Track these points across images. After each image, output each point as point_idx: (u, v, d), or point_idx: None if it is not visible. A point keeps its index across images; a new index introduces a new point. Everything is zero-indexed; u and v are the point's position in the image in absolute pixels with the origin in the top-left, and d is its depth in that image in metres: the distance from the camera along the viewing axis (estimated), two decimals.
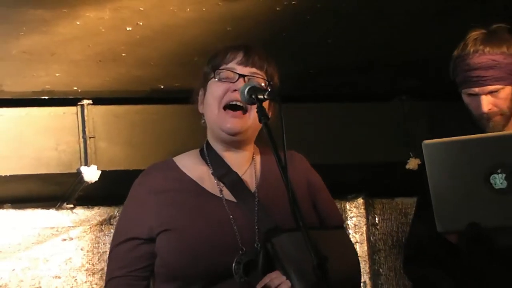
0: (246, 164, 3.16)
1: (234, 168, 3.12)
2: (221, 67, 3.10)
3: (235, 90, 3.03)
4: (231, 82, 3.06)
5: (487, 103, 3.37)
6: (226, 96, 3.05)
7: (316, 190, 3.22)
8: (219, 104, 3.06)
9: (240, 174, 3.11)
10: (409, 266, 3.81)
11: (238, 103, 3.03)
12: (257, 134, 3.14)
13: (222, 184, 3.08)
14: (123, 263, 3.08)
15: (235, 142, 3.10)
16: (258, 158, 3.18)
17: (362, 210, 5.68)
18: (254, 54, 3.13)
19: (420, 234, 3.69)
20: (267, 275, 2.89)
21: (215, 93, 3.08)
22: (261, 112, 2.90)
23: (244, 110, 3.04)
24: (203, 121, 3.15)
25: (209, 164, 3.12)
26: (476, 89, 3.38)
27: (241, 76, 3.05)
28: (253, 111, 3.04)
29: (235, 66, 3.09)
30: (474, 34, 3.42)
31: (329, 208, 3.24)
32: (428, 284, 3.63)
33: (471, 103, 3.42)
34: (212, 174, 3.09)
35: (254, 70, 3.09)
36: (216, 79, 3.09)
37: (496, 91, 3.37)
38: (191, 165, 3.15)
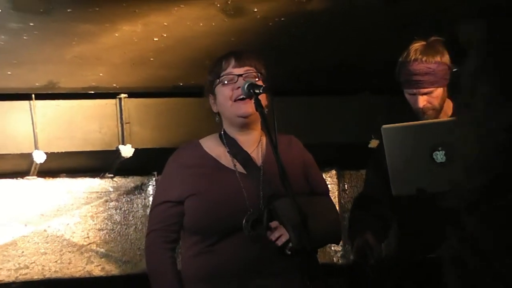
0: (254, 144, 3.14)
1: (245, 148, 3.11)
2: (222, 74, 3.09)
3: (238, 88, 3.03)
4: (233, 82, 3.06)
5: (422, 101, 3.36)
6: (233, 94, 3.05)
7: (308, 166, 3.20)
8: (230, 100, 3.05)
9: (249, 153, 3.10)
10: (352, 212, 3.82)
11: (243, 96, 3.02)
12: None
13: (235, 160, 3.09)
14: (159, 220, 3.11)
15: (247, 124, 3.09)
16: (264, 140, 3.15)
17: (335, 179, 5.62)
18: (243, 56, 3.13)
19: (368, 192, 3.70)
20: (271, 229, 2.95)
21: (225, 93, 3.07)
22: (257, 103, 2.93)
23: (249, 98, 3.04)
24: (217, 118, 3.16)
25: (226, 145, 3.12)
26: (415, 90, 3.36)
27: (239, 75, 3.05)
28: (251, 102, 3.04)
29: (232, 70, 3.08)
30: (416, 45, 3.39)
31: (317, 180, 3.24)
32: (359, 223, 3.61)
33: (411, 100, 3.40)
34: (228, 152, 3.09)
35: (246, 68, 3.08)
36: (221, 84, 3.09)
37: (431, 92, 3.36)
38: (212, 146, 3.15)
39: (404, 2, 3.93)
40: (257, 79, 3.05)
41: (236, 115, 3.06)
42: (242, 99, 3.04)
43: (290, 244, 2.89)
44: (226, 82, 3.07)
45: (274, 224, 2.93)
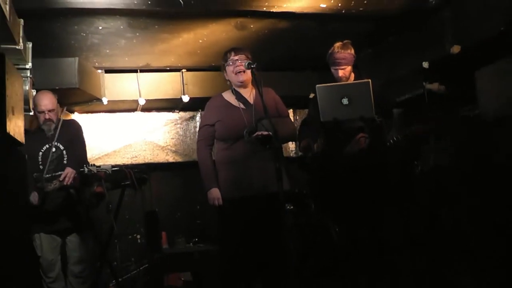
0: (248, 93, 3.11)
1: (244, 95, 3.10)
2: (229, 59, 3.06)
3: (237, 66, 3.03)
4: (234, 64, 3.05)
5: (341, 73, 3.35)
6: (234, 70, 3.07)
7: (277, 102, 3.19)
8: (233, 73, 3.07)
9: (246, 98, 3.10)
10: (300, 128, 3.79)
11: (240, 70, 3.02)
12: (251, 81, 3.06)
13: (239, 102, 3.08)
14: (203, 134, 3.13)
15: (243, 85, 3.09)
16: (254, 91, 3.12)
17: (292, 114, 5.43)
18: (239, 50, 3.07)
19: (309, 119, 3.64)
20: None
21: (230, 70, 3.09)
22: (252, 72, 2.91)
23: (243, 72, 3.04)
24: (228, 83, 3.16)
25: (234, 95, 3.11)
26: (337, 67, 3.36)
27: (236, 60, 3.03)
28: (247, 73, 3.02)
29: (232, 57, 3.04)
30: (337, 44, 3.39)
31: (283, 109, 3.21)
32: (303, 133, 3.57)
33: (334, 73, 3.39)
34: (236, 99, 3.11)
35: (239, 55, 3.04)
36: (227, 65, 3.08)
37: (345, 68, 3.36)
38: (228, 95, 3.14)
39: (330, 25, 3.93)
40: (247, 60, 2.98)
41: (237, 81, 3.09)
42: (239, 72, 3.02)
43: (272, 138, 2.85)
44: (230, 64, 3.06)
45: (260, 132, 2.96)
